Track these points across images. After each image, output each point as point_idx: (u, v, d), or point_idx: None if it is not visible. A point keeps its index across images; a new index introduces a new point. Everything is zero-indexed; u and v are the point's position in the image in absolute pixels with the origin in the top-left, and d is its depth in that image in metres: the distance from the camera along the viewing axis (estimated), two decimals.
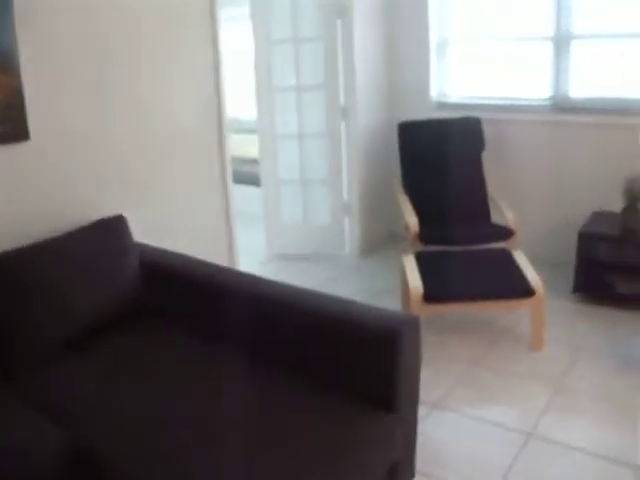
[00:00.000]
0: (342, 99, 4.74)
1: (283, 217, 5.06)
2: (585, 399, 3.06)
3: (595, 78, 4.48)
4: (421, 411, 2.51)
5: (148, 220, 3.26)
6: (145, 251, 2.87)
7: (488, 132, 4.60)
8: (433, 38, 4.88)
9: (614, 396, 3.07)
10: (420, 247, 4.02)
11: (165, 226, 3.41)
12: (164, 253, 2.89)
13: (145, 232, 3.11)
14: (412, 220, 4.10)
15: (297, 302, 2.25)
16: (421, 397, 2.36)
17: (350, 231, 5.00)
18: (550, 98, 4.57)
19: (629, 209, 4.00)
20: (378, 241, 5.14)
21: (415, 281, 3.42)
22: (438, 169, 4.49)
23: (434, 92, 4.96)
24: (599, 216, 4.29)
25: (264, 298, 2.35)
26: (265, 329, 2.30)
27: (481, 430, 2.87)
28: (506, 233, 4.08)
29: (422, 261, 3.69)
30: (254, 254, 5.14)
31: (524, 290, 3.38)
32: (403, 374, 1.96)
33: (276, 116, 4.87)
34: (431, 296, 3.33)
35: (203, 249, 3.44)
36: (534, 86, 4.67)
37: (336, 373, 2.11)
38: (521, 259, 3.69)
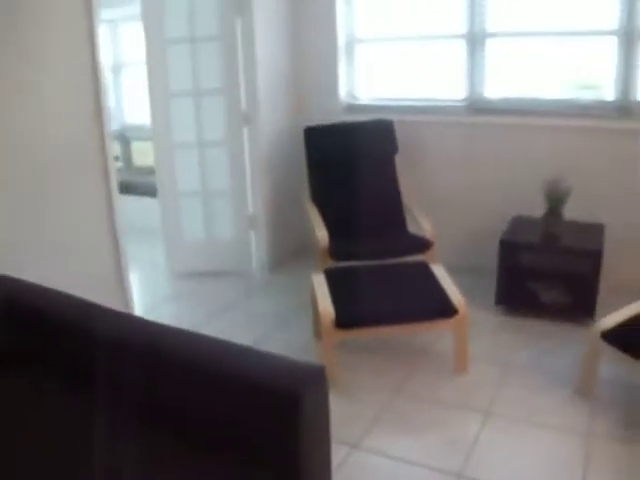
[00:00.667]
0: (244, 103, 4.36)
1: (184, 232, 4.64)
2: (517, 426, 2.79)
3: (511, 78, 4.28)
4: (339, 454, 2.18)
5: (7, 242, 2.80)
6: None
7: (401, 135, 4.31)
8: (341, 36, 4.55)
9: (546, 420, 2.82)
10: (331, 263, 3.69)
11: (29, 248, 2.94)
12: (21, 286, 2.42)
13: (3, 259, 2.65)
14: (321, 233, 3.76)
15: (180, 352, 1.86)
16: (339, 436, 2.04)
17: (257, 245, 4.63)
18: (465, 99, 4.33)
19: (550, 213, 3.79)
20: (288, 255, 4.79)
21: (325, 304, 3.08)
22: (348, 177, 4.17)
23: (343, 94, 4.64)
24: (520, 221, 4.07)
25: (141, 346, 1.94)
26: (142, 384, 1.90)
27: (406, 474, 2.54)
28: (423, 245, 3.79)
29: (333, 280, 3.35)
30: (155, 273, 4.71)
31: (446, 310, 3.08)
32: (307, 440, 1.60)
33: (173, 123, 4.45)
34: (344, 321, 2.99)
35: (82, 273, 3.01)
36: (449, 87, 4.42)
37: (226, 437, 1.73)
38: (441, 273, 3.40)
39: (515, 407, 2.93)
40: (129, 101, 6.29)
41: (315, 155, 4.19)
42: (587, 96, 4.16)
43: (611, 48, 3.90)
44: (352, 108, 4.63)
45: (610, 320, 2.88)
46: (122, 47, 6.23)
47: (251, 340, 3.58)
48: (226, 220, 4.61)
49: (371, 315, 3.06)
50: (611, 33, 3.88)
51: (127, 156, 6.43)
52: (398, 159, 4.29)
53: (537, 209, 3.87)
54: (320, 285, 3.29)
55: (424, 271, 3.45)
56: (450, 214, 4.44)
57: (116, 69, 6.26)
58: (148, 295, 4.48)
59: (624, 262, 3.93)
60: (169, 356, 1.84)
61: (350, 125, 4.28)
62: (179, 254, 4.66)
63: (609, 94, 4.03)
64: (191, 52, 4.34)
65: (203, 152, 4.48)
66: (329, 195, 4.14)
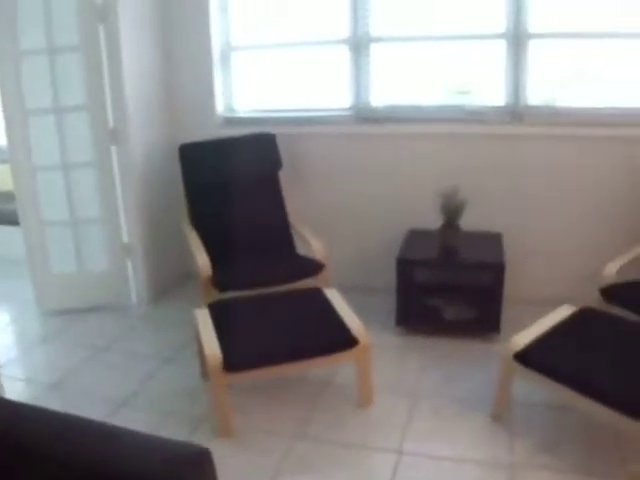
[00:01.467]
0: (111, 120, 3.93)
1: (52, 265, 4.14)
2: (433, 464, 2.54)
3: (397, 85, 4.08)
4: None
5: None
6: None
7: (285, 149, 4.01)
8: (216, 45, 4.19)
9: (465, 453, 2.58)
10: (216, 293, 3.33)
11: None
12: None
13: None
14: (203, 262, 3.40)
15: (30, 441, 1.45)
16: None
17: (135, 276, 4.19)
18: (351, 108, 4.09)
19: (447, 226, 3.59)
20: (171, 284, 4.38)
21: (211, 345, 2.71)
22: (230, 197, 3.83)
23: (220, 107, 4.29)
24: (416, 235, 3.87)
25: None
26: None
27: None
28: (314, 268, 3.49)
29: (218, 315, 3.00)
30: (21, 311, 4.23)
31: (345, 341, 2.80)
32: None
33: (33, 144, 3.95)
34: (233, 364, 2.64)
35: None
36: (333, 95, 4.17)
37: None
38: (336, 299, 3.12)
39: (429, 441, 2.68)
40: None
41: (192, 175, 3.82)
42: (468, 101, 4.01)
43: (500, 52, 3.76)
44: (231, 121, 4.29)
45: (521, 339, 2.68)
46: None
47: (132, 385, 3.19)
48: (99, 250, 4.15)
49: (264, 355, 2.72)
50: (500, 37, 3.74)
51: None
52: (283, 175, 3.99)
53: (433, 220, 3.68)
54: (204, 322, 2.93)
55: (318, 298, 3.16)
56: (342, 231, 4.19)
57: None
58: (14, 336, 4.00)
59: (524, 272, 3.79)
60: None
61: (229, 140, 3.94)
62: (48, 289, 4.16)
63: (493, 99, 3.89)
64: (50, 64, 3.86)
65: (68, 175, 4.01)
66: (210, 218, 3.78)
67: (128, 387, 3.20)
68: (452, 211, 3.53)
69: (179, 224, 3.93)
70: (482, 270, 3.55)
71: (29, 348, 3.75)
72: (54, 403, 3.01)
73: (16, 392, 3.14)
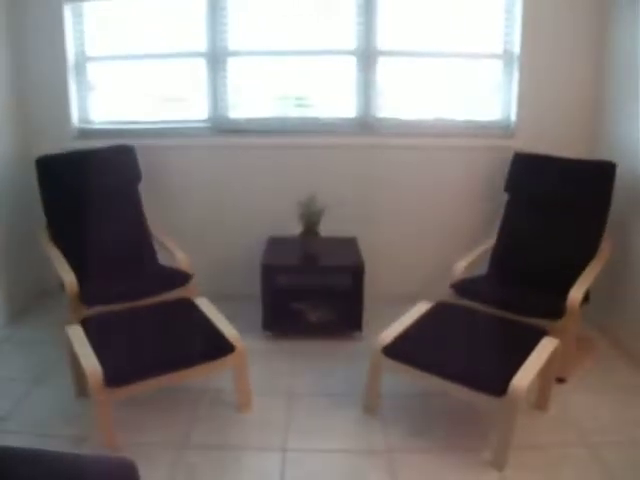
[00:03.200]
0: None
1: None
2: (317, 457, 2.70)
3: (254, 97, 4.22)
4: None
5: None
6: None
7: (145, 161, 4.02)
8: (71, 54, 4.10)
9: (344, 445, 2.78)
10: (85, 309, 3.29)
11: None
12: None
13: None
14: (68, 277, 3.34)
15: None
16: None
17: None
18: (208, 119, 4.17)
19: (307, 232, 3.79)
20: (31, 301, 4.23)
21: (90, 361, 2.69)
22: (89, 211, 3.75)
23: (75, 118, 4.20)
24: (276, 242, 4.03)
25: None
26: None
27: None
28: (181, 279, 3.55)
29: (92, 330, 2.97)
30: None
31: (221, 348, 2.90)
32: None
33: None
34: (115, 379, 2.64)
35: None
36: (191, 107, 4.23)
37: None
38: (207, 308, 3.20)
39: (310, 437, 2.84)
40: None
41: (50, 189, 3.70)
42: (310, 114, 4.23)
43: (349, 68, 4.03)
44: (87, 133, 4.22)
45: (388, 335, 2.92)
46: None
47: (1, 409, 3.05)
48: None
49: (144, 367, 2.74)
50: (351, 53, 4.00)
51: None
52: (143, 187, 4.00)
53: (293, 228, 3.86)
54: (78, 338, 2.90)
55: (189, 307, 3.24)
56: (205, 241, 4.27)
57: None
58: None
59: (379, 273, 4.06)
60: None
61: (87, 153, 3.86)
62: None
63: (341, 111, 4.16)
64: None
65: None
66: (70, 233, 3.69)
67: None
68: (311, 218, 3.73)
69: (37, 238, 3.81)
70: (342, 273, 3.78)
71: None
72: None
73: None
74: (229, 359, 2.92)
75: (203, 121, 4.19)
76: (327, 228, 3.87)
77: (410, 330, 3.00)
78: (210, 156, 4.16)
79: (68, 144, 4.04)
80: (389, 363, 2.86)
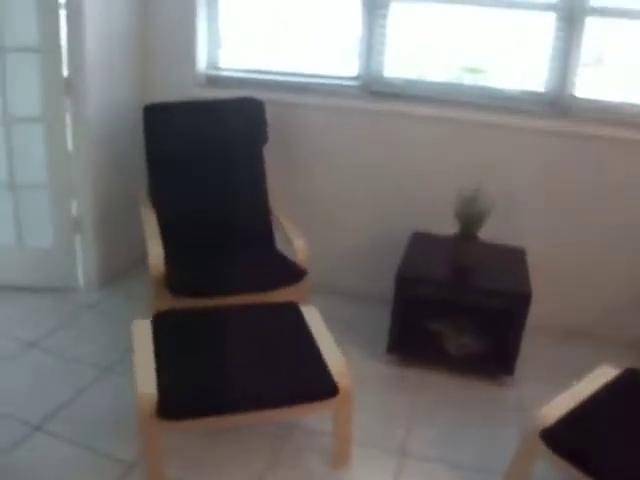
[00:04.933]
0: (66, 67, 3.20)
1: None
2: None
3: (408, 54, 3.35)
4: None
5: None
6: None
7: (273, 120, 3.29)
8: None
9: None
10: (169, 297, 2.65)
11: None
12: None
13: None
14: (155, 255, 2.70)
15: None
16: None
17: (84, 255, 3.51)
18: (358, 77, 3.36)
19: (462, 237, 2.92)
20: (126, 267, 3.68)
21: (145, 379, 2.05)
22: (200, 174, 3.13)
23: (203, 63, 3.55)
24: (422, 241, 3.20)
25: None
26: None
27: None
28: (295, 274, 2.81)
29: (163, 332, 2.34)
30: None
31: (322, 389, 2.14)
32: None
33: None
34: (171, 410, 1.98)
35: None
36: (337, 60, 3.43)
37: None
38: (315, 323, 2.45)
39: None
40: None
41: (156, 143, 3.10)
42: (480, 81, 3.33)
43: (545, 28, 3.04)
44: (214, 81, 3.56)
45: (551, 411, 2.02)
46: None
47: (55, 401, 2.59)
48: (42, 221, 3.45)
49: (213, 401, 2.05)
50: (549, 8, 3.01)
51: None
52: (267, 152, 3.27)
53: (445, 226, 3.00)
54: (142, 341, 2.27)
55: (292, 318, 2.50)
56: (331, 226, 3.52)
57: None
58: None
59: (546, 295, 3.08)
60: None
61: (205, 104, 3.22)
62: None
63: (519, 83, 3.19)
64: None
65: (9, 130, 3.30)
66: (173, 198, 3.08)
67: (49, 403, 2.58)
68: (471, 218, 2.85)
69: (139, 200, 3.23)
70: (501, 295, 2.87)
71: None
72: None
73: None
74: (329, 404, 2.17)
75: (351, 78, 3.38)
76: (489, 232, 2.96)
77: (584, 409, 2.07)
78: (354, 122, 3.35)
79: (192, 92, 3.43)
80: (547, 453, 1.97)
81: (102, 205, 3.47)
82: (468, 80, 3.35)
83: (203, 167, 3.14)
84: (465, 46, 3.28)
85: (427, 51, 3.36)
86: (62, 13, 3.11)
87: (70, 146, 3.33)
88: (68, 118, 3.29)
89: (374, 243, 3.45)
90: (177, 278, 2.68)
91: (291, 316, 2.51)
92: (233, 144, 3.22)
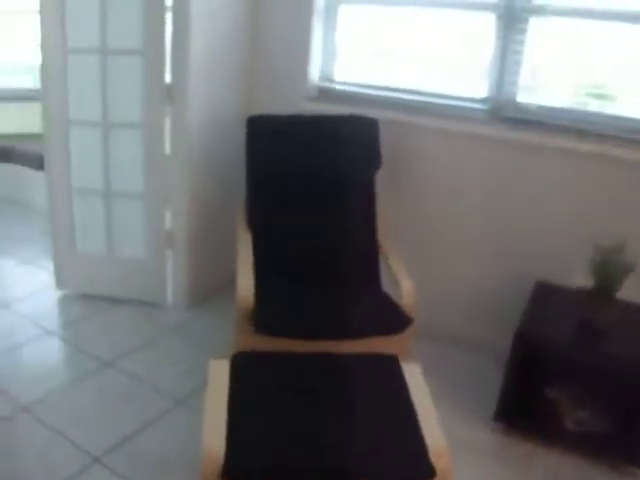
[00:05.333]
0: (169, 73, 3.02)
1: (78, 241, 3.35)
2: None
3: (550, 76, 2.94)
4: None
5: None
6: None
7: (385, 142, 2.97)
8: None
9: None
10: (253, 334, 2.37)
11: None
12: None
13: None
14: (244, 285, 2.43)
15: None
16: None
17: (174, 271, 3.33)
18: (487, 100, 2.99)
19: (598, 295, 2.48)
20: (216, 286, 3.46)
21: (213, 435, 1.77)
22: (304, 198, 2.85)
23: (315, 75, 3.28)
24: (547, 294, 2.76)
25: None
26: None
27: None
28: (399, 323, 2.45)
29: (241, 376, 2.05)
30: (32, 282, 3.57)
31: (418, 472, 1.77)
32: None
33: (70, 91, 3.10)
34: (239, 475, 1.68)
35: None
36: (464, 78, 3.08)
37: None
38: (416, 385, 2.08)
39: None
40: None
41: (259, 156, 2.85)
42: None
43: None
44: (327, 95, 3.28)
45: None
46: None
47: (119, 432, 2.41)
48: (135, 232, 3.30)
49: (290, 473, 1.74)
50: None
51: None
52: (379, 178, 2.95)
53: (571, 272, 2.58)
54: (217, 387, 1.99)
55: (390, 377, 2.13)
56: (441, 266, 3.14)
57: None
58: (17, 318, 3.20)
59: None
60: None
61: (315, 120, 2.94)
62: (69, 267, 3.38)
63: None
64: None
65: (109, 136, 3.15)
66: (271, 221, 2.81)
67: (113, 433, 2.40)
68: (609, 274, 2.42)
69: (234, 218, 2.99)
70: (637, 367, 2.41)
71: (13, 348, 2.94)
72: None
73: None
74: None
75: (479, 101, 3.00)
76: (630, 290, 2.51)
77: None
78: (479, 151, 2.97)
79: (301, 106, 3.18)
80: None
81: (196, 220, 3.27)
82: (593, 107, 2.89)
83: (308, 189, 2.85)
84: (593, 66, 2.83)
85: (554, 72, 2.93)
86: (168, 16, 2.94)
87: (168, 155, 3.14)
88: (168, 126, 3.11)
89: (489, 287, 3.05)
90: (265, 314, 2.39)
91: (390, 374, 2.15)
92: (343, 166, 2.91)
